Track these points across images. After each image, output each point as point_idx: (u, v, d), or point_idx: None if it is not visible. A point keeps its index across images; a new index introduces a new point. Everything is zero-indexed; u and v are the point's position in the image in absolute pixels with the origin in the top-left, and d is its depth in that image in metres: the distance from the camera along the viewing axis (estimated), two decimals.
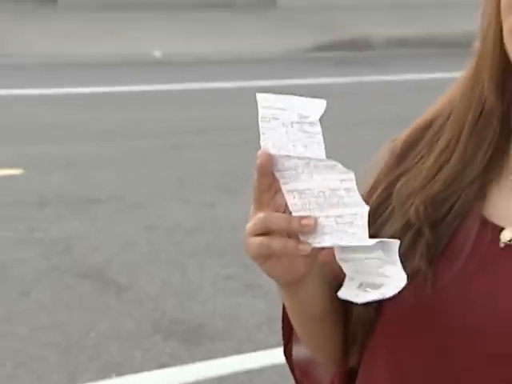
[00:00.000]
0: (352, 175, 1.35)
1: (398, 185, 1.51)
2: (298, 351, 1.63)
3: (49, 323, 5.71)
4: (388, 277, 1.37)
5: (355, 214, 1.35)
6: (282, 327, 1.62)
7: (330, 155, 1.34)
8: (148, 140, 9.74)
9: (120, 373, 5.17)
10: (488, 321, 1.39)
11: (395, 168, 1.54)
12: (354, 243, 1.36)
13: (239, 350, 5.39)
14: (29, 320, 5.74)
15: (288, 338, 1.63)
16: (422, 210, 1.45)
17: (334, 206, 1.36)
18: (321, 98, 1.36)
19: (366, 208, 1.35)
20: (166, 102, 11.70)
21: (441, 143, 1.51)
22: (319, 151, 1.36)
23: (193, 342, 5.55)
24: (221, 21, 17.06)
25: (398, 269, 1.36)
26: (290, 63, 14.33)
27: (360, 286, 1.39)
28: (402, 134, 1.58)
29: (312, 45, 15.85)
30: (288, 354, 1.65)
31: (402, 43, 15.94)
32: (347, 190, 1.35)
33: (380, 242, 1.36)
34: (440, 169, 1.49)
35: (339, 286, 1.44)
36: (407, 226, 1.43)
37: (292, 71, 13.36)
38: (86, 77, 12.90)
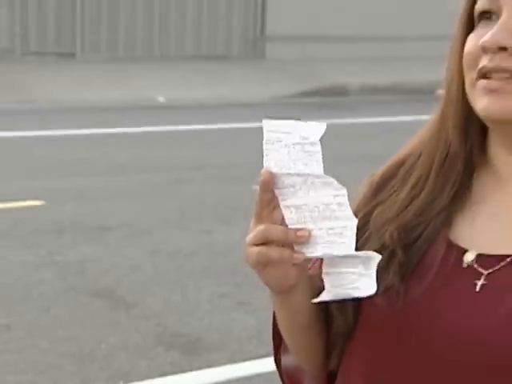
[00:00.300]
0: (345, 191, 1.36)
1: (375, 213, 1.52)
2: (287, 360, 1.63)
3: (65, 336, 5.69)
4: (360, 289, 1.38)
5: (345, 227, 1.36)
6: (273, 338, 1.64)
7: None
8: (153, 175, 9.71)
9: (127, 380, 5.15)
10: (451, 332, 1.40)
11: (372, 199, 1.55)
12: (343, 252, 1.37)
13: (232, 360, 5.37)
14: (48, 334, 5.72)
15: (277, 348, 1.64)
16: (395, 235, 1.46)
17: (326, 219, 1.37)
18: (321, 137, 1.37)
19: (355, 221, 1.37)
20: (169, 141, 11.68)
21: (412, 179, 1.52)
22: (318, 168, 1.37)
23: (191, 353, 5.52)
24: (218, 70, 17.05)
25: (372, 280, 1.37)
26: (278, 107, 14.28)
27: (335, 295, 1.40)
28: (379, 169, 1.59)
29: (297, 91, 15.86)
30: (278, 362, 1.65)
31: (375, 90, 15.95)
32: (339, 204, 1.36)
33: (365, 254, 1.38)
34: (411, 201, 1.50)
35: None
36: (382, 248, 1.43)
37: (280, 114, 13.12)
38: (99, 119, 12.86)
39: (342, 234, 1.37)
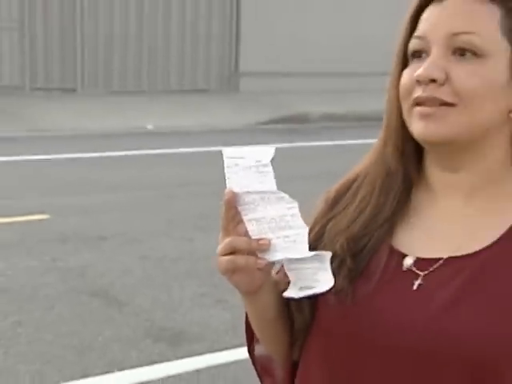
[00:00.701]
0: (296, 204, 1.38)
1: (329, 226, 1.53)
2: (259, 350, 1.65)
3: (67, 331, 5.67)
4: (319, 281, 1.39)
5: (298, 234, 1.39)
6: (246, 332, 1.65)
7: None
8: (143, 191, 9.73)
9: (121, 368, 5.14)
10: (392, 324, 1.40)
11: (328, 213, 1.56)
12: (298, 255, 1.38)
13: (211, 350, 5.37)
14: (52, 329, 5.69)
15: (250, 341, 1.65)
16: (345, 245, 1.47)
17: (282, 229, 1.39)
18: (272, 159, 1.38)
19: (307, 229, 1.38)
20: (157, 162, 11.67)
21: (359, 196, 1.53)
22: (271, 185, 1.38)
23: (176, 344, 5.51)
24: (199, 102, 17.07)
25: (329, 274, 1.39)
26: (250, 133, 14.34)
27: (300, 288, 1.41)
28: (333, 187, 1.61)
29: (267, 119, 15.90)
30: (251, 353, 1.67)
31: (332, 118, 16.03)
32: (292, 215, 1.38)
33: (316, 254, 1.39)
34: (359, 215, 1.51)
35: (286, 300, 1.49)
36: (334, 256, 1.42)
37: (252, 139, 13.36)
38: (98, 144, 12.86)
39: (295, 240, 1.39)
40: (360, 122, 15.56)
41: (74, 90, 17.63)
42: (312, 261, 1.39)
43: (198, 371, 5.14)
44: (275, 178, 1.40)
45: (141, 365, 5.21)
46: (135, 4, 18.25)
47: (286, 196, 1.39)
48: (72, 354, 5.32)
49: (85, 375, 5.04)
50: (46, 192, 9.61)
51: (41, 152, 12.10)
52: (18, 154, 11.87)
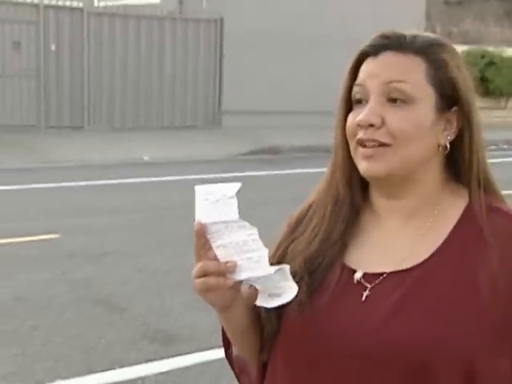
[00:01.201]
0: (255, 230, 1.39)
1: (290, 247, 1.53)
2: (235, 354, 1.64)
3: (75, 334, 5.64)
4: (285, 289, 1.39)
5: (260, 255, 1.38)
6: (223, 340, 1.64)
7: (251, 221, 1.38)
8: (139, 214, 9.70)
9: (121, 366, 5.12)
10: (343, 330, 1.41)
11: (289, 236, 1.56)
12: (262, 273, 1.38)
13: (199, 349, 5.34)
14: (63, 332, 5.67)
15: (227, 347, 1.65)
16: (302, 265, 1.47)
17: (246, 252, 1.38)
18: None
19: (266, 250, 1.38)
20: (152, 189, 11.63)
21: (314, 220, 1.53)
22: (235, 215, 1.38)
23: (168, 344, 5.49)
24: (187, 136, 17.02)
25: (291, 283, 1.39)
26: (231, 163, 14.33)
27: (268, 296, 1.41)
28: (294, 213, 1.60)
29: (245, 151, 15.90)
30: (229, 356, 1.66)
31: (300, 150, 16.03)
32: (253, 240, 1.38)
33: (278, 268, 1.39)
34: (314, 237, 1.51)
35: (256, 310, 1.50)
36: (294, 273, 1.42)
37: (233, 168, 13.36)
38: (101, 173, 12.81)
39: (259, 261, 1.38)
40: (324, 152, 15.44)
41: (81, 128, 17.56)
42: (274, 276, 1.39)
43: (187, 368, 5.13)
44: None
45: (138, 362, 5.19)
46: (133, 55, 18.24)
47: (247, 224, 1.38)
48: (79, 353, 5.30)
49: (90, 372, 5.02)
50: (57, 215, 9.58)
51: (53, 180, 12.06)
52: (33, 183, 11.80)
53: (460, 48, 26.55)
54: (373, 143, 1.40)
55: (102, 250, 7.89)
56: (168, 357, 5.30)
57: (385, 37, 1.45)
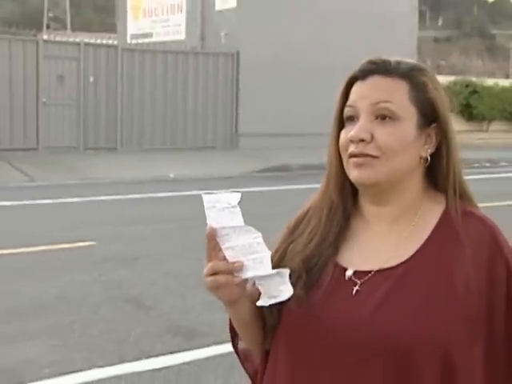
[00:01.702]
0: (259, 234, 1.39)
1: (289, 248, 1.52)
2: (241, 344, 1.65)
3: (108, 328, 5.65)
4: (282, 291, 1.39)
5: (263, 257, 1.38)
6: (230, 332, 1.65)
7: (263, 230, 1.39)
8: (165, 224, 9.69)
9: (148, 356, 5.11)
10: (336, 322, 1.40)
11: (288, 238, 1.55)
12: (264, 273, 1.38)
13: (216, 343, 5.30)
14: (97, 326, 5.67)
15: (233, 337, 1.65)
16: (301, 264, 1.47)
17: (251, 253, 1.38)
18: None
19: (269, 252, 1.39)
20: (176, 202, 11.60)
21: (311, 225, 1.53)
22: (240, 221, 1.38)
23: (190, 338, 5.47)
24: (208, 156, 17.03)
25: (288, 286, 1.39)
26: (247, 179, 14.31)
27: (268, 297, 1.40)
28: (292, 218, 1.60)
29: (259, 169, 15.85)
30: (235, 347, 1.67)
31: (307, 167, 15.95)
32: (258, 243, 1.38)
33: (278, 271, 1.39)
34: (311, 240, 1.51)
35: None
36: (293, 272, 1.43)
37: (247, 183, 13.34)
38: (132, 189, 12.81)
39: (262, 262, 1.38)
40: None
41: (115, 149, 17.62)
42: (275, 277, 1.39)
43: (206, 359, 5.10)
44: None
45: (163, 354, 5.17)
46: (161, 85, 18.32)
47: (252, 228, 1.39)
48: (112, 345, 5.30)
49: (121, 361, 5.02)
50: (94, 225, 9.58)
51: (90, 195, 12.09)
52: (73, 197, 11.83)
53: (447, 79, 26.52)
54: (363, 155, 1.42)
55: (132, 256, 7.88)
56: (189, 349, 5.28)
57: (372, 63, 1.47)
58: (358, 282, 1.43)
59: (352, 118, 1.45)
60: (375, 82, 1.44)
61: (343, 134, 1.46)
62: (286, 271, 1.39)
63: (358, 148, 1.42)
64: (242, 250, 1.39)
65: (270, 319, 1.50)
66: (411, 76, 1.45)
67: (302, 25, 19.53)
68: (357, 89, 1.46)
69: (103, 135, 17.59)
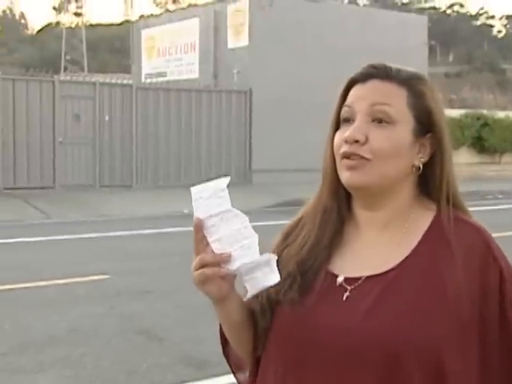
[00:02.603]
0: (247, 218, 1.36)
1: (284, 252, 1.50)
2: (231, 353, 1.61)
3: (120, 359, 5.61)
4: (269, 280, 1.35)
5: (252, 241, 1.35)
6: (220, 339, 1.60)
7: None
8: (177, 257, 9.58)
9: None
10: (327, 325, 1.39)
11: (283, 243, 1.54)
12: (253, 258, 1.34)
13: (227, 372, 5.21)
14: (109, 357, 5.64)
15: (224, 345, 1.61)
16: (295, 267, 1.45)
17: (239, 241, 1.35)
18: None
19: (256, 236, 1.35)
20: (189, 237, 11.49)
21: (305, 229, 1.52)
22: (228, 205, 1.36)
23: (201, 368, 5.43)
24: None
25: (275, 273, 1.35)
26: (260, 214, 14.27)
27: (255, 290, 1.36)
28: (287, 224, 1.59)
29: (272, 204, 15.89)
30: (226, 354, 1.63)
31: None
32: (245, 227, 1.35)
33: (266, 258, 1.35)
34: (305, 244, 1.49)
35: (250, 307, 1.47)
36: (288, 275, 1.42)
37: (261, 218, 13.28)
38: (147, 224, 12.84)
39: (250, 247, 1.35)
40: None
41: (130, 186, 17.71)
42: (262, 267, 1.35)
43: None
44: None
45: (175, 383, 5.14)
46: (175, 123, 18.46)
47: (240, 213, 1.36)
48: (123, 376, 5.26)
49: None
50: (107, 259, 9.60)
51: (105, 230, 12.13)
52: (89, 232, 11.89)
53: (459, 112, 26.56)
54: (356, 157, 1.40)
55: (145, 289, 7.87)
56: (201, 379, 5.24)
57: (373, 67, 1.46)
58: (349, 287, 1.41)
59: (348, 120, 1.44)
60: (374, 85, 1.43)
61: (338, 135, 1.45)
62: (273, 257, 1.36)
63: (351, 148, 1.40)
64: (230, 239, 1.35)
65: (262, 322, 1.47)
66: (411, 84, 1.44)
67: (312, 62, 19.70)
68: (355, 91, 1.45)
69: (118, 173, 17.71)
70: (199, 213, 1.37)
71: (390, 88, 1.42)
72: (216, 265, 1.36)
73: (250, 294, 1.38)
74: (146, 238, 11.56)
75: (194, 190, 1.38)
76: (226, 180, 1.37)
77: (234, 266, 1.36)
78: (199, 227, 1.37)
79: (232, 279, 1.40)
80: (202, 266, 1.36)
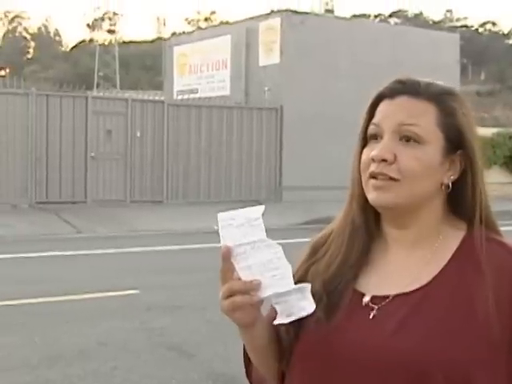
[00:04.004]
0: (281, 248, 1.32)
1: (311, 269, 1.49)
2: (254, 372, 1.58)
3: (150, 374, 5.61)
4: (302, 308, 1.33)
5: (284, 272, 1.31)
6: (243, 359, 1.57)
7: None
8: (207, 273, 9.65)
9: None
10: (354, 344, 1.38)
11: (310, 259, 1.52)
12: (285, 289, 1.31)
13: None
14: (139, 372, 5.64)
15: (247, 365, 1.58)
16: (321, 286, 1.43)
17: (270, 270, 1.31)
18: (262, 214, 1.31)
19: (290, 266, 1.32)
20: (219, 253, 11.61)
21: (333, 246, 1.50)
22: (262, 234, 1.31)
23: None
24: None
25: (309, 301, 1.33)
26: (290, 231, 14.29)
27: (287, 315, 1.34)
28: (315, 239, 1.56)
29: (302, 221, 15.84)
30: (249, 374, 1.59)
31: None
32: (278, 258, 1.31)
33: (299, 287, 1.32)
34: (333, 262, 1.47)
35: (275, 329, 1.45)
36: (314, 293, 1.38)
37: (291, 235, 13.26)
38: (177, 240, 12.92)
39: (282, 278, 1.31)
40: None
41: (160, 202, 17.79)
42: (296, 293, 1.33)
43: None
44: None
45: None
46: (206, 140, 18.55)
47: (273, 242, 1.31)
48: None
49: None
50: (137, 274, 9.63)
51: (135, 246, 12.20)
52: (119, 248, 11.96)
53: (491, 130, 26.33)
54: (383, 177, 1.38)
55: (174, 304, 7.87)
56: None
57: (401, 82, 1.43)
58: (375, 306, 1.40)
59: (376, 137, 1.42)
60: (403, 102, 1.40)
61: (365, 153, 1.42)
62: (308, 286, 1.34)
63: (378, 168, 1.38)
64: (260, 267, 1.31)
65: (287, 340, 1.45)
66: (440, 100, 1.40)
67: (343, 78, 19.70)
68: (383, 107, 1.42)
69: (149, 188, 17.80)
70: (228, 240, 1.31)
71: (419, 106, 1.39)
72: (245, 292, 1.33)
73: (282, 320, 1.36)
74: (176, 254, 11.59)
75: (221, 216, 1.32)
76: (260, 208, 1.33)
77: (264, 293, 1.32)
78: (227, 256, 1.33)
79: (259, 304, 1.38)
80: (231, 294, 1.33)
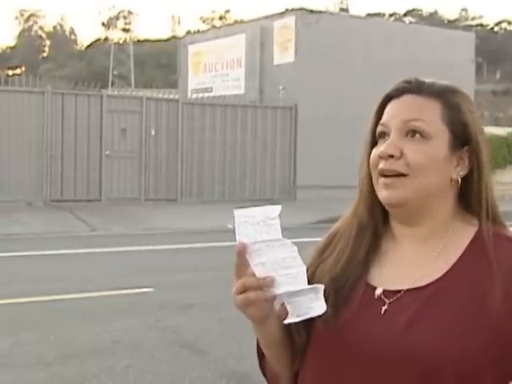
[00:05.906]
0: (296, 248, 1.33)
1: (319, 268, 1.50)
2: (267, 366, 1.59)
3: (164, 372, 5.63)
4: (313, 308, 1.34)
5: (298, 271, 1.32)
6: (257, 353, 1.59)
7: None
8: (220, 272, 9.67)
9: None
10: (365, 339, 1.38)
11: (318, 258, 1.53)
12: (298, 288, 1.32)
13: None
14: (153, 370, 5.65)
15: (261, 359, 1.59)
16: (329, 283, 1.44)
17: (284, 268, 1.32)
18: (279, 214, 1.32)
19: (305, 267, 1.33)
20: (233, 252, 11.59)
21: (339, 245, 1.51)
22: (277, 234, 1.32)
23: (243, 383, 5.44)
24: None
25: (321, 302, 1.34)
26: (304, 230, 14.18)
27: (297, 315, 1.35)
28: (322, 239, 1.58)
29: (316, 220, 15.78)
30: (262, 367, 1.61)
31: None
32: (293, 257, 1.33)
33: (313, 287, 1.34)
34: (340, 259, 1.49)
35: (287, 325, 1.44)
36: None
37: (304, 234, 13.25)
38: (191, 239, 12.90)
39: (296, 277, 1.33)
40: None
41: (175, 200, 17.84)
42: (308, 292, 1.34)
43: None
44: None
45: None
46: (220, 138, 18.58)
47: (289, 242, 1.32)
48: None
49: None
50: (151, 272, 9.66)
51: (150, 244, 12.23)
52: (133, 246, 12.00)
53: (506, 130, 26.20)
54: (392, 173, 1.40)
55: (188, 302, 7.88)
56: None
57: (407, 82, 1.47)
58: (387, 301, 1.40)
59: (384, 136, 1.44)
60: (408, 100, 1.43)
61: (374, 151, 1.45)
62: (321, 287, 1.35)
63: (386, 164, 1.40)
64: (274, 264, 1.32)
65: (298, 339, 1.47)
66: (445, 96, 1.44)
67: (357, 77, 19.67)
68: (390, 107, 1.45)
69: (164, 187, 17.85)
70: (243, 237, 1.32)
71: (423, 102, 1.42)
72: (259, 288, 1.34)
73: (292, 319, 1.37)
74: (190, 252, 11.61)
75: (238, 212, 1.33)
76: (277, 208, 1.33)
77: (277, 291, 1.33)
78: (243, 252, 1.34)
79: (272, 300, 1.39)
80: (245, 289, 1.35)
